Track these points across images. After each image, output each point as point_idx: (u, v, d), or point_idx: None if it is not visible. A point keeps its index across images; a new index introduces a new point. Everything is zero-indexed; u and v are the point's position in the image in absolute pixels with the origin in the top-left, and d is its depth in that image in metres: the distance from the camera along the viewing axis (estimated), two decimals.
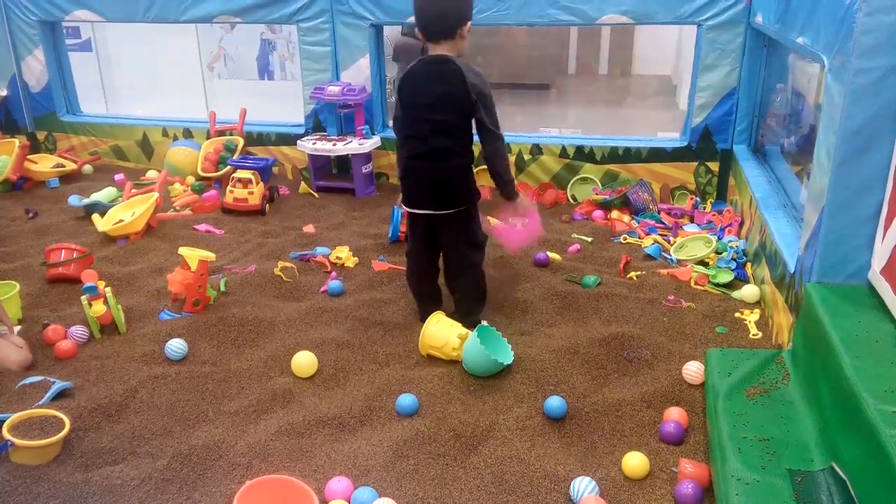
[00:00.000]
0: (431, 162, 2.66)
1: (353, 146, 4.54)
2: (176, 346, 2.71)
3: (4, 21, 5.23)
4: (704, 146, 4.33)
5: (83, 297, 2.82)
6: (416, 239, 2.85)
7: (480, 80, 2.63)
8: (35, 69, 5.34)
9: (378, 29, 4.70)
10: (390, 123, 5.02)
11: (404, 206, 2.81)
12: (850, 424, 1.74)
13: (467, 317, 2.81)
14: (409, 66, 2.71)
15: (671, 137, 4.62)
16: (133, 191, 4.29)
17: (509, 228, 2.80)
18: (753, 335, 2.82)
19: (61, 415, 2.24)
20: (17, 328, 2.88)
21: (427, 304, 2.92)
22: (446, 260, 2.87)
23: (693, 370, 2.49)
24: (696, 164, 4.37)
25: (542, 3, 4.23)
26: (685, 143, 4.36)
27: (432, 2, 2.61)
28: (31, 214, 4.29)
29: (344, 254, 3.59)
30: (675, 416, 2.30)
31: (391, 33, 5.80)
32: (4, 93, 5.43)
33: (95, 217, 3.96)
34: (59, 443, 2.18)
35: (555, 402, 2.33)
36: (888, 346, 1.92)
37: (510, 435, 2.27)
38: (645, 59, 10.19)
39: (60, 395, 2.44)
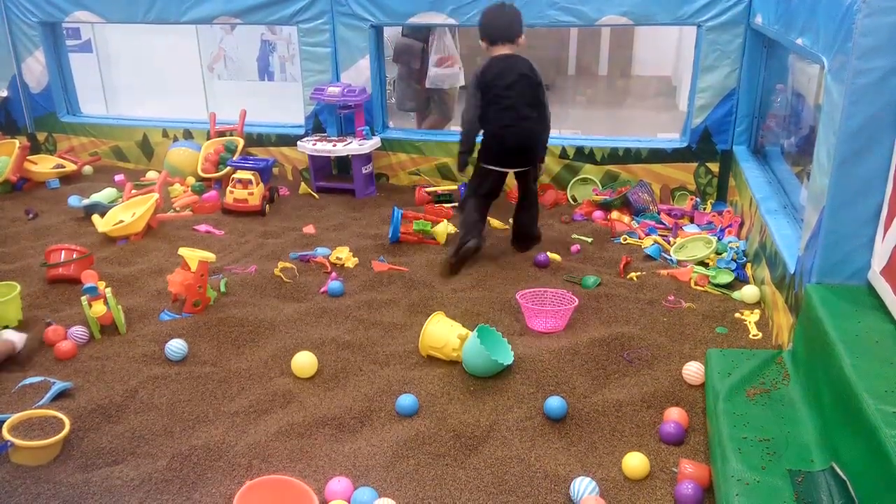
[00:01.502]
0: (520, 128, 3.40)
1: (353, 147, 4.54)
2: (176, 346, 2.71)
3: (5, 22, 5.23)
4: (704, 147, 4.33)
5: (83, 298, 2.82)
6: (483, 190, 3.55)
7: (538, 69, 3.46)
8: (35, 70, 5.34)
9: (378, 30, 4.71)
10: (388, 126, 5.04)
11: (484, 165, 3.49)
12: (851, 425, 1.74)
13: (532, 241, 3.65)
14: (486, 61, 3.44)
15: (671, 138, 4.62)
16: (133, 191, 4.29)
17: (539, 311, 2.91)
18: (753, 336, 2.82)
19: (61, 415, 2.24)
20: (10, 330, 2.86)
21: (473, 238, 3.46)
22: (523, 198, 3.65)
23: (693, 370, 2.49)
24: (696, 164, 4.37)
25: (541, 4, 4.23)
26: (685, 144, 4.37)
27: (500, 17, 3.49)
28: (31, 215, 4.29)
29: (344, 254, 3.59)
30: (675, 416, 2.30)
31: (391, 34, 5.80)
32: (5, 94, 5.44)
33: (95, 218, 3.96)
34: (59, 443, 2.18)
35: (555, 403, 2.33)
36: (888, 346, 1.92)
37: (510, 435, 2.27)
38: (645, 61, 10.19)
39: (60, 395, 2.45)
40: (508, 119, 3.39)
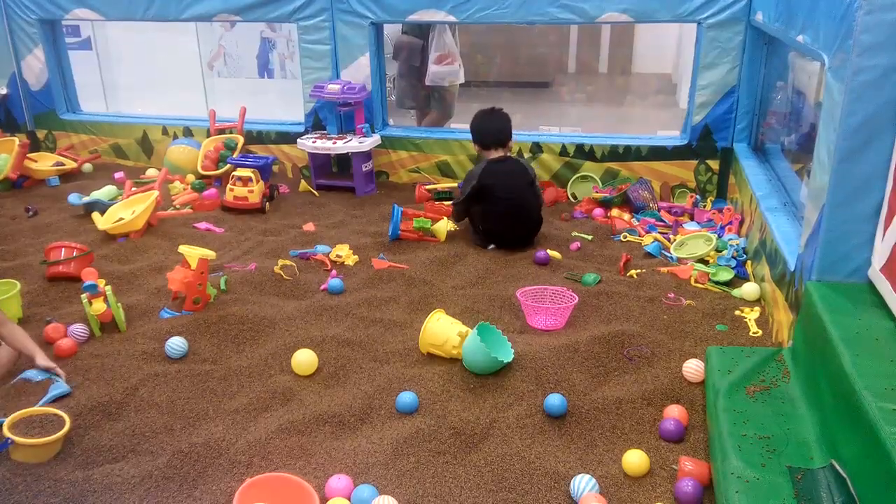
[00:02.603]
0: (521, 215, 3.70)
1: (353, 144, 4.54)
2: (176, 344, 2.71)
3: (4, 19, 5.22)
4: (705, 144, 4.32)
5: (83, 296, 2.81)
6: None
7: (528, 164, 3.90)
8: (35, 67, 5.34)
9: (378, 27, 4.70)
10: (388, 124, 5.03)
11: (492, 245, 3.73)
12: (850, 422, 1.74)
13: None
14: (485, 164, 3.74)
15: (671, 136, 4.62)
16: (133, 189, 4.29)
17: (539, 307, 2.94)
18: (753, 333, 2.82)
19: (62, 413, 2.24)
20: None
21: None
22: None
23: (693, 368, 2.49)
24: (696, 162, 4.37)
25: (542, 1, 4.23)
26: (685, 142, 4.36)
27: (491, 123, 3.81)
28: (30, 213, 4.29)
29: (344, 252, 3.59)
30: (675, 413, 2.30)
31: (391, 32, 5.79)
32: (4, 91, 5.43)
33: (95, 215, 3.96)
34: (60, 441, 2.18)
35: (555, 400, 2.33)
36: (888, 343, 1.92)
37: (510, 433, 2.27)
38: (645, 58, 10.19)
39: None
40: (507, 220, 3.67)
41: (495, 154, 3.78)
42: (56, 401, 2.41)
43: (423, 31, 5.43)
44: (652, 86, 9.52)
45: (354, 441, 2.25)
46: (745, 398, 2.13)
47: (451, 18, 4.45)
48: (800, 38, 2.79)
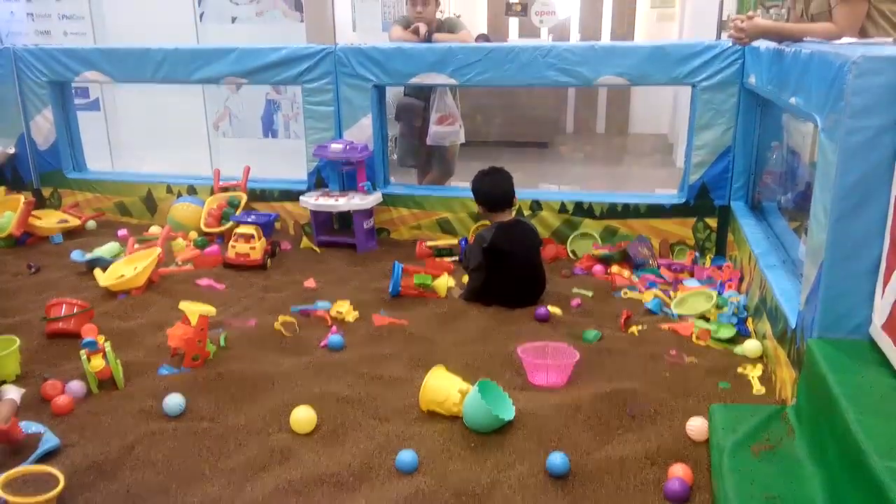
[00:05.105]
0: (533, 277, 3.74)
1: (355, 202, 4.59)
2: (174, 401, 2.68)
3: (15, 81, 5.36)
4: (702, 203, 4.37)
5: (82, 352, 2.80)
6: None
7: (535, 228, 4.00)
8: (43, 128, 5.44)
9: (380, 90, 4.82)
10: (390, 182, 5.08)
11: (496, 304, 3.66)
12: (857, 481, 1.71)
13: None
14: (497, 227, 3.72)
15: (669, 194, 4.67)
16: (136, 246, 4.32)
17: (540, 364, 2.93)
18: (757, 391, 2.80)
19: (56, 472, 2.20)
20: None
21: None
22: None
23: (697, 426, 2.46)
24: (694, 220, 4.41)
25: (540, 65, 4.34)
26: (683, 200, 4.41)
27: (498, 186, 3.79)
28: (33, 269, 4.31)
29: (344, 308, 3.59)
30: (679, 473, 2.26)
31: (393, 95, 5.93)
32: (12, 151, 5.52)
33: (97, 272, 3.97)
34: (52, 501, 2.14)
35: (557, 460, 2.30)
36: (892, 401, 1.91)
37: (512, 493, 2.22)
38: (642, 118, 10.40)
39: (52, 452, 2.40)
40: (517, 285, 3.66)
41: (502, 216, 3.78)
42: (47, 455, 2.37)
43: (424, 93, 5.56)
44: (649, 145, 9.68)
45: (353, 501, 2.21)
46: (750, 457, 2.10)
47: (452, 81, 4.56)
48: (792, 100, 2.86)
